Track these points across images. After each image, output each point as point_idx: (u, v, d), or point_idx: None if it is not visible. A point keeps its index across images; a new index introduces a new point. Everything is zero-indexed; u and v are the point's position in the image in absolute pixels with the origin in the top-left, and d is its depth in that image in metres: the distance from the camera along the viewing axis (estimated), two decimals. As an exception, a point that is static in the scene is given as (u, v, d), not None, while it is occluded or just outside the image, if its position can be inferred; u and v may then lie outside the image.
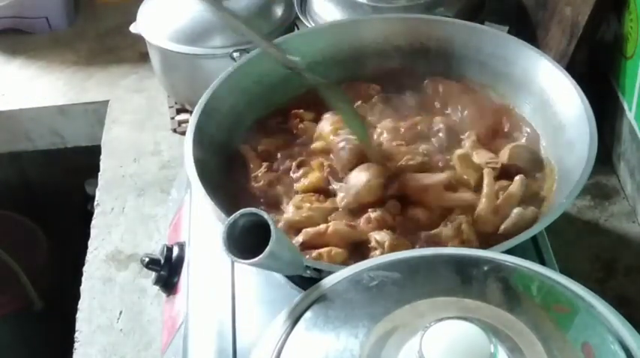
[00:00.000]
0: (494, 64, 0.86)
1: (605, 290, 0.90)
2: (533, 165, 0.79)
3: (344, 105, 0.82)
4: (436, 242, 0.71)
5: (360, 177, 0.76)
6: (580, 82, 0.78)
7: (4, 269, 1.31)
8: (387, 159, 0.78)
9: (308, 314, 0.53)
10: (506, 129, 0.84)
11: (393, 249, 0.69)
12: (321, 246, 0.71)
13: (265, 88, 0.87)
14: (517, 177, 0.76)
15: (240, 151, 0.83)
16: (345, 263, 0.69)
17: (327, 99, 0.82)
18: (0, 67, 1.37)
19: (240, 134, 0.84)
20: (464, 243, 0.70)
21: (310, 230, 0.72)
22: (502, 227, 0.72)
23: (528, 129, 0.83)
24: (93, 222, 1.08)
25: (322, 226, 0.72)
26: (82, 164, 1.31)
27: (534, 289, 0.55)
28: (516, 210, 0.73)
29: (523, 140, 0.82)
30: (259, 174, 0.79)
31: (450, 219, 0.72)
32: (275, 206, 0.77)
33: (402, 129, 0.82)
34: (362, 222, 0.73)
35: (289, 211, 0.75)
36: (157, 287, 0.86)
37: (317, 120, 0.85)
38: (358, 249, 0.72)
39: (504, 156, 0.79)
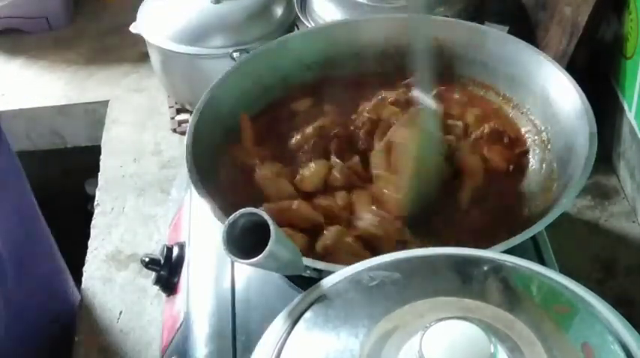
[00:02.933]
0: (494, 64, 0.86)
1: (605, 290, 0.89)
2: None
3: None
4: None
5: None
6: (580, 82, 0.78)
7: (4, 269, 1.31)
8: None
9: (308, 314, 0.53)
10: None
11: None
12: (284, 224, 0.71)
13: (265, 88, 0.87)
14: None
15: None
16: (303, 249, 0.69)
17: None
18: (0, 67, 1.37)
19: (240, 134, 0.84)
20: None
21: (273, 205, 0.73)
22: None
23: (529, 128, 0.83)
24: (93, 222, 1.08)
25: (286, 202, 0.73)
26: (82, 164, 1.31)
27: (534, 289, 0.55)
28: None
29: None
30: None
31: None
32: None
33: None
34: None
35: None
36: (157, 287, 0.86)
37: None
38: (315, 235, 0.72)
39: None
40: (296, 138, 0.81)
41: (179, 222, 0.88)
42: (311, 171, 0.77)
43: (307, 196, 0.76)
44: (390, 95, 0.85)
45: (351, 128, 0.83)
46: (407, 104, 0.83)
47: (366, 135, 0.81)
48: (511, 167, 0.79)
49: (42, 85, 1.32)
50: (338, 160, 0.78)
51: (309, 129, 0.81)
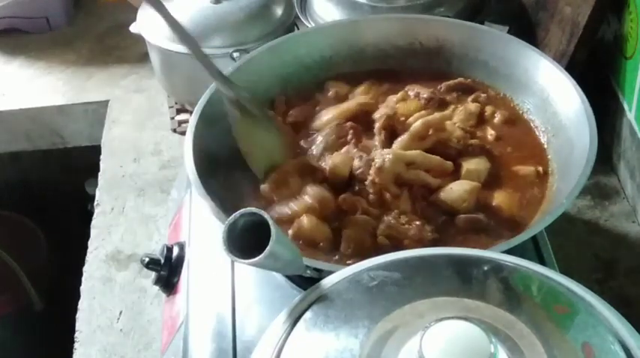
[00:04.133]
0: (494, 64, 0.87)
1: (605, 290, 0.90)
2: None
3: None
4: None
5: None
6: (580, 82, 0.78)
7: (4, 269, 1.31)
8: None
9: (308, 314, 0.53)
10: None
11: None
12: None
13: (264, 88, 0.87)
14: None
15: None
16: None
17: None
18: (0, 67, 1.37)
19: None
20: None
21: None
22: None
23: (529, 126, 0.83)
24: (93, 222, 1.08)
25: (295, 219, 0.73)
26: (82, 164, 1.31)
27: (534, 289, 0.55)
28: None
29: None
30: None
31: None
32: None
33: None
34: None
35: None
36: (157, 287, 0.86)
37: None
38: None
39: None
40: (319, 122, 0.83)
41: (179, 222, 0.88)
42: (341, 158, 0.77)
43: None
44: (421, 90, 0.85)
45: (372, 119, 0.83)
46: (437, 103, 0.84)
47: (381, 129, 0.80)
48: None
49: (42, 85, 1.32)
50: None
51: (331, 114, 0.83)
